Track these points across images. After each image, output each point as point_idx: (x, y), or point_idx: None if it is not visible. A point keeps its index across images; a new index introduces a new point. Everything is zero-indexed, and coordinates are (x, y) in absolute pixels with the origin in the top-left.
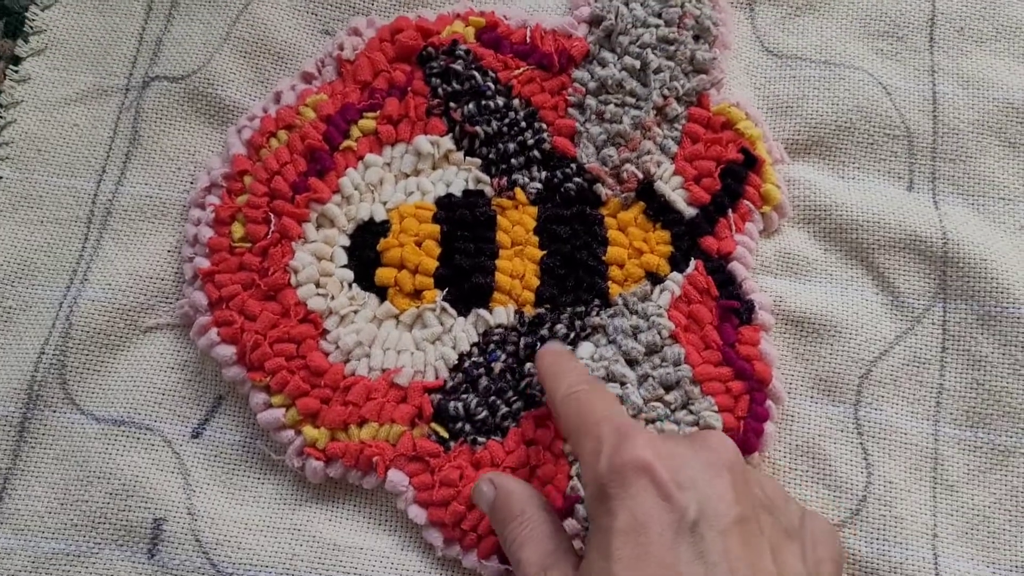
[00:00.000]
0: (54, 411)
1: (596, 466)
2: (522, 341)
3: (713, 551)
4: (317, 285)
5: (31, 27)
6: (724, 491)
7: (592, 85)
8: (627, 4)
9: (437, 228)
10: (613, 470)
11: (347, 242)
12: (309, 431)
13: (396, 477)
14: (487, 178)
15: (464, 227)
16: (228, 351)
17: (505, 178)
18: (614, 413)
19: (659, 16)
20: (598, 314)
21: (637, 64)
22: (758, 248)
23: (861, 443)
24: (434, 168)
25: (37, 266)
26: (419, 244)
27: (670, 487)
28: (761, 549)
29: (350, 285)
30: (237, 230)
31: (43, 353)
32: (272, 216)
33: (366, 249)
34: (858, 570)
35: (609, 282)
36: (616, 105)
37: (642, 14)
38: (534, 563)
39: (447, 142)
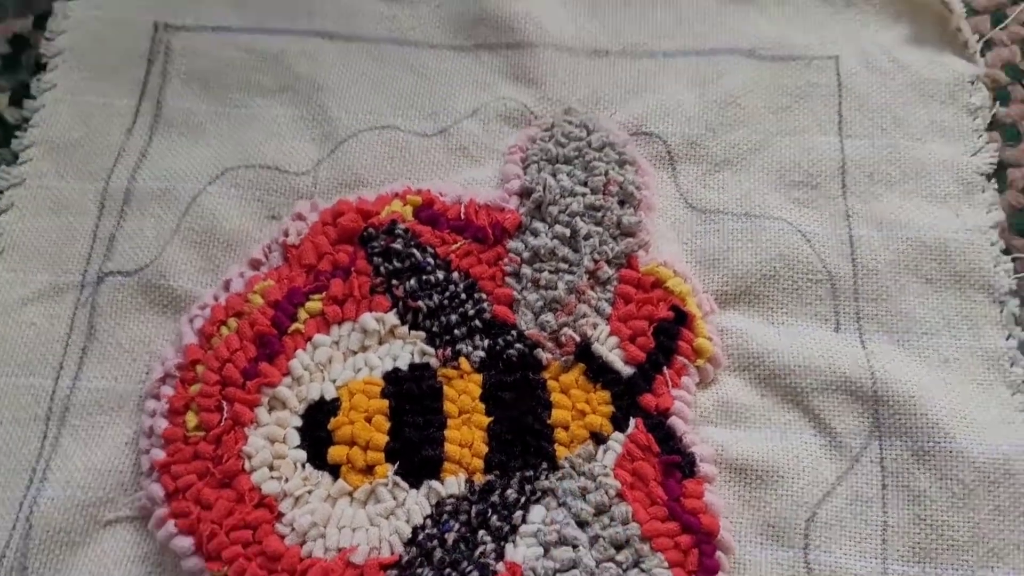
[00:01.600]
0: None
1: None
2: (474, 509)
3: None
4: (271, 468)
5: None
6: None
7: (526, 254)
8: (554, 175)
9: (386, 403)
10: None
11: (299, 422)
12: None
13: None
14: (432, 350)
15: (412, 400)
16: (186, 542)
17: (449, 348)
18: None
19: (585, 184)
20: (547, 477)
21: (567, 232)
22: (696, 400)
23: None
24: (380, 343)
25: None
26: (369, 420)
27: None
28: None
29: (303, 465)
30: (191, 419)
31: (3, 556)
32: (224, 403)
33: (318, 428)
34: None
35: (555, 444)
36: (550, 272)
37: (569, 184)
38: None
39: (392, 318)
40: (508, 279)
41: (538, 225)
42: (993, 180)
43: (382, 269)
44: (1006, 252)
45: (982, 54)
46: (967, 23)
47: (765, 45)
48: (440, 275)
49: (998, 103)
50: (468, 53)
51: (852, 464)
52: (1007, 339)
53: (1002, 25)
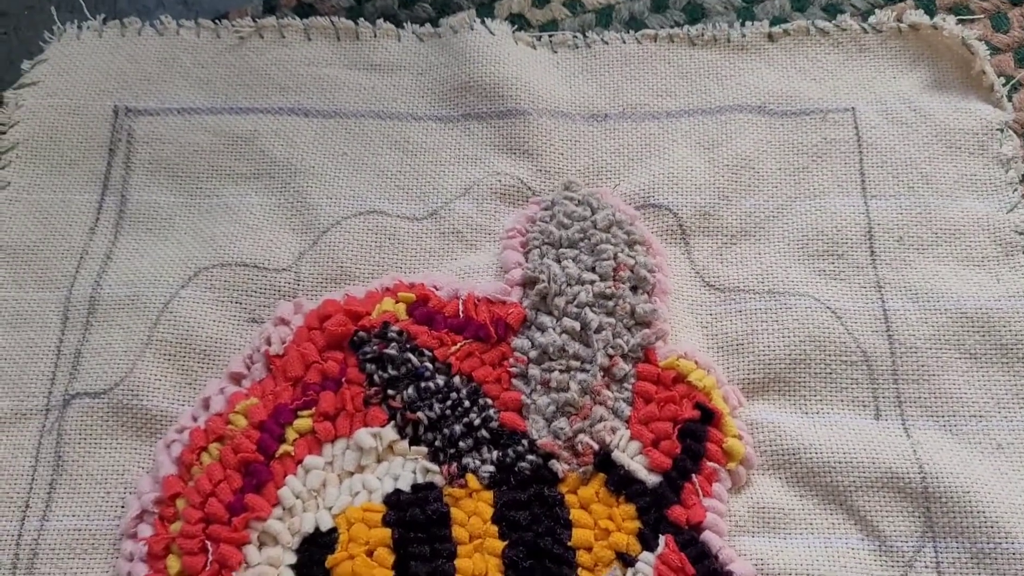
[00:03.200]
0: None
1: None
2: None
3: None
4: None
5: None
6: None
7: (533, 353)
8: (559, 261)
9: (388, 532)
10: None
11: (293, 559)
12: None
13: None
14: (436, 467)
15: (417, 527)
16: None
17: (455, 464)
18: None
19: (593, 271)
20: None
21: (577, 325)
22: (729, 508)
23: None
24: (379, 462)
25: None
26: (370, 554)
27: None
28: None
29: None
30: (173, 565)
31: None
32: (209, 544)
33: (314, 566)
34: None
35: (579, 569)
36: (561, 371)
37: (575, 271)
38: None
39: (390, 432)
40: (515, 381)
41: (544, 319)
42: None
43: (376, 378)
44: None
45: (1009, 97)
46: (991, 64)
47: (775, 100)
48: (440, 381)
49: None
50: (456, 124)
51: (906, 571)
52: None
53: None
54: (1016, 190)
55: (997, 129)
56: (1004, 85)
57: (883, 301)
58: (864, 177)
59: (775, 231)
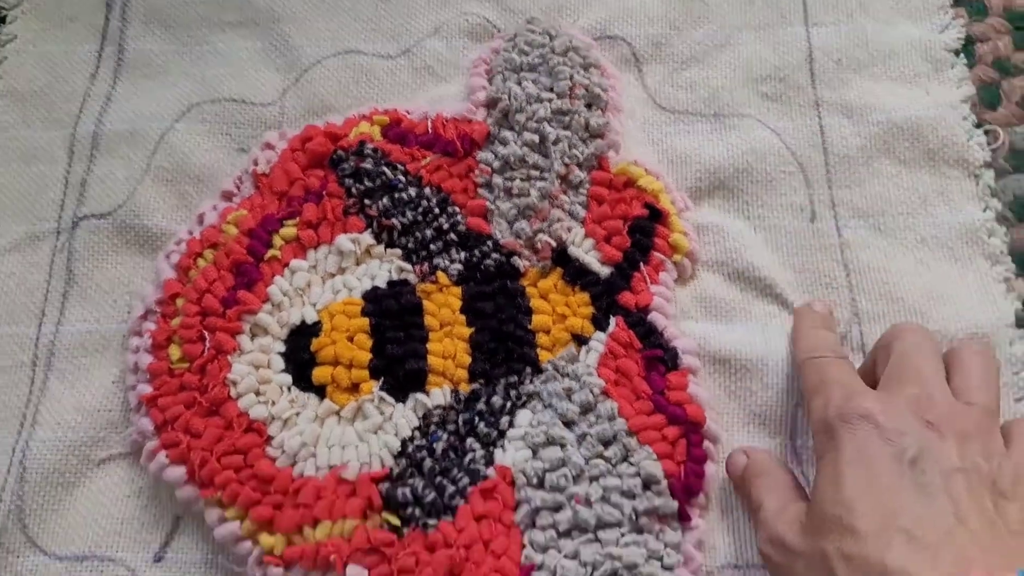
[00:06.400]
0: (17, 556)
1: (825, 412)
2: (460, 418)
3: (935, 486)
4: (257, 394)
5: None
6: (946, 447)
7: (497, 164)
8: (519, 84)
9: (366, 321)
10: (840, 415)
11: (282, 348)
12: (266, 539)
13: (354, 572)
14: (409, 266)
15: (392, 316)
16: (178, 472)
17: (427, 264)
18: (849, 381)
19: (551, 90)
20: (531, 382)
21: (536, 138)
22: (675, 296)
23: (801, 471)
24: (357, 264)
25: None
26: (351, 339)
27: (891, 432)
28: (981, 495)
29: (289, 389)
30: (174, 352)
31: (1, 499)
32: (206, 333)
33: (301, 352)
34: None
35: (538, 349)
36: (522, 180)
37: (535, 90)
38: (773, 508)
39: (367, 238)
40: (480, 190)
41: (506, 134)
42: (961, 55)
43: (354, 190)
44: (978, 126)
45: None
46: None
47: None
48: (412, 192)
49: None
50: None
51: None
52: (984, 211)
53: None
54: (948, 12)
55: None
56: None
57: (820, 118)
58: (806, 7)
59: (722, 58)
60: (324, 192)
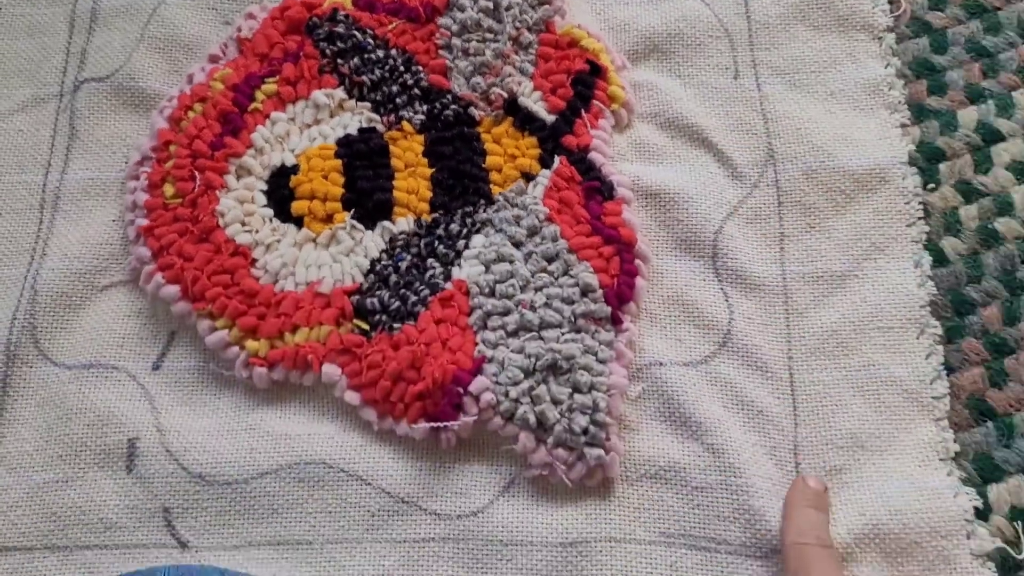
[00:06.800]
0: (31, 366)
1: None
2: (422, 242)
3: None
4: (242, 224)
5: None
6: None
7: (455, 28)
8: None
9: (339, 162)
10: None
11: (264, 186)
12: (251, 344)
13: (330, 370)
14: (378, 117)
15: (362, 157)
16: (173, 290)
17: (393, 115)
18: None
19: None
20: (485, 211)
21: (490, 5)
22: (613, 140)
23: (721, 288)
24: (331, 116)
25: (1, 251)
26: (326, 177)
27: None
28: None
29: (271, 220)
30: (168, 189)
31: (15, 319)
32: (196, 173)
33: (281, 189)
34: (728, 393)
35: (491, 184)
36: (478, 41)
37: None
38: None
39: (340, 93)
40: (441, 51)
41: (464, 1)
42: None
43: (328, 52)
44: None
45: None
46: None
47: None
48: (380, 53)
49: None
50: None
51: (751, 189)
52: (885, 67)
53: None
54: None
55: None
56: None
57: None
58: None
59: None
60: (301, 54)
